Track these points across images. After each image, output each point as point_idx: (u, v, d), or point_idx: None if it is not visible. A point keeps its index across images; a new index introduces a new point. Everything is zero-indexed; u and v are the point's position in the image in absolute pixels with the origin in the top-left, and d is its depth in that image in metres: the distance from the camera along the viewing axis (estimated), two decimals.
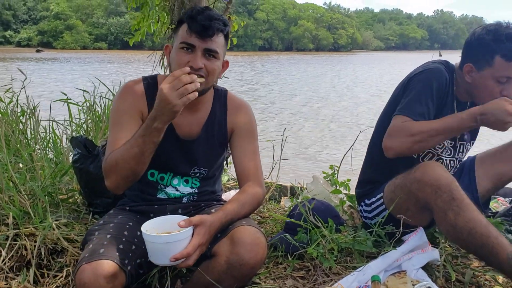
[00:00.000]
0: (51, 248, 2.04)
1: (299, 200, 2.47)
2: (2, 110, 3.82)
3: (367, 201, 2.24)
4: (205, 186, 1.96)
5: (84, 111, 4.01)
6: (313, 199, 2.30)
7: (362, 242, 2.01)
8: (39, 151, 3.38)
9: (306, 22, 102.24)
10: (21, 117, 3.76)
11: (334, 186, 2.84)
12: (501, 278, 1.92)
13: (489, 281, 1.94)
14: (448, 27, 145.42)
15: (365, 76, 27.15)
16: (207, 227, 1.57)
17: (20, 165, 2.93)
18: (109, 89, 4.11)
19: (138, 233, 1.72)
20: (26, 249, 2.00)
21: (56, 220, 2.19)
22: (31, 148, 3.24)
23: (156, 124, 1.57)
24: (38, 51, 59.85)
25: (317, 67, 37.24)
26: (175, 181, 1.91)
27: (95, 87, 4.11)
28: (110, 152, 1.72)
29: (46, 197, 2.36)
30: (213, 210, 1.89)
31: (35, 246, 2.00)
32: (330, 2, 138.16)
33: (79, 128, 3.90)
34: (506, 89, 1.98)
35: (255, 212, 2.73)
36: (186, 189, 1.92)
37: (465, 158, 2.37)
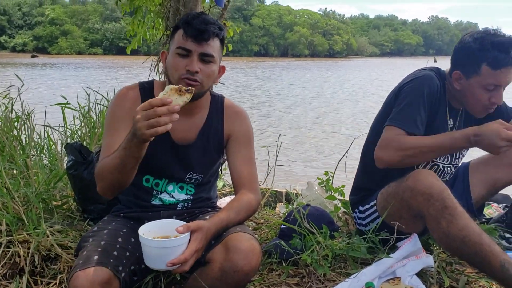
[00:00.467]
0: (45, 255, 2.03)
1: (294, 206, 2.48)
2: None
3: (361, 208, 2.25)
4: (200, 192, 1.96)
5: (79, 117, 4.00)
6: (307, 205, 2.30)
7: (356, 248, 2.01)
8: (34, 157, 3.37)
9: (302, 28, 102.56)
10: (15, 123, 3.75)
11: (328, 192, 2.84)
12: (495, 285, 1.93)
13: (483, 287, 1.94)
14: (443, 33, 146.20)
15: (360, 82, 27.23)
16: (204, 233, 1.57)
17: (14, 171, 2.92)
18: (103, 96, 4.10)
19: (133, 239, 1.71)
20: (19, 256, 1.98)
21: (50, 227, 2.18)
22: (25, 154, 3.23)
23: (134, 141, 1.51)
24: (33, 56, 59.65)
25: (314, 73, 37.34)
26: (170, 188, 1.90)
27: (90, 93, 4.11)
28: (102, 158, 1.72)
29: (40, 203, 2.35)
30: (207, 217, 1.88)
31: (28, 253, 1.98)
32: (326, 9, 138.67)
33: (74, 134, 3.89)
34: (494, 96, 2.00)
35: (250, 218, 2.72)
36: (181, 196, 1.92)
37: (459, 164, 2.39)
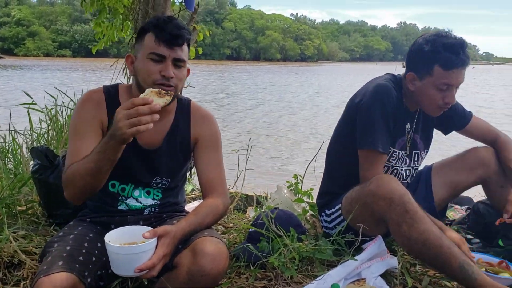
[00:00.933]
0: (8, 261, 1.99)
1: (262, 210, 2.49)
2: None
3: (327, 211, 2.29)
4: (167, 197, 1.95)
5: (46, 120, 3.93)
6: (276, 208, 2.33)
7: (323, 251, 2.04)
8: None
9: (274, 33, 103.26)
10: None
11: (297, 195, 2.87)
12: (456, 285, 1.98)
13: (444, 287, 2.00)
14: (411, 39, 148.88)
15: (331, 87, 27.54)
16: (171, 237, 1.57)
17: None
18: (71, 99, 4.04)
19: (99, 244, 1.70)
20: None
21: (14, 232, 2.13)
22: None
23: (111, 143, 1.51)
24: None
25: (286, 77, 37.56)
26: (136, 193, 1.89)
27: (57, 96, 4.03)
28: (70, 163, 1.69)
29: (4, 208, 2.29)
30: (175, 222, 1.87)
31: None
32: (297, 14, 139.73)
33: (40, 138, 3.81)
34: (447, 96, 2.08)
35: (219, 222, 2.73)
36: (147, 201, 1.90)
37: (421, 167, 2.46)
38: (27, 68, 36.57)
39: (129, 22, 3.95)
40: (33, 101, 3.76)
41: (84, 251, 1.63)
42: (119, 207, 1.88)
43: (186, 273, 1.59)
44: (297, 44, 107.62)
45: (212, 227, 1.84)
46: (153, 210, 1.91)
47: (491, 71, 71.48)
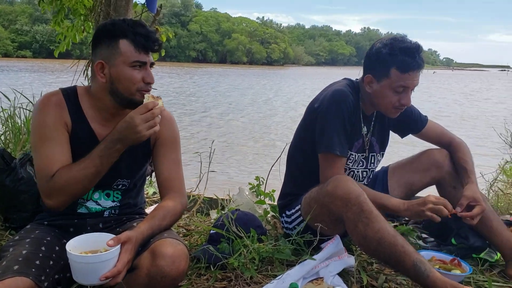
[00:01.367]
0: None
1: (224, 212, 2.51)
2: None
3: (287, 212, 2.33)
4: (127, 199, 1.94)
5: (3, 122, 3.82)
6: (237, 210, 2.35)
7: (282, 250, 2.07)
8: None
9: (240, 36, 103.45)
10: None
11: (259, 197, 2.90)
12: (411, 282, 2.05)
13: (399, 284, 2.06)
14: None
15: (295, 90, 27.79)
16: (133, 243, 1.57)
17: None
18: (29, 101, 3.94)
19: (57, 248, 1.68)
20: None
21: None
22: None
23: (118, 146, 1.64)
24: None
25: (251, 80, 37.64)
26: (96, 195, 1.87)
27: (15, 97, 3.93)
28: (50, 170, 1.66)
29: None
30: (135, 224, 1.87)
31: None
32: (263, 17, 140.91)
33: None
34: (403, 98, 2.15)
35: (181, 225, 2.73)
36: (107, 203, 1.89)
37: (378, 169, 2.53)
38: None
39: (90, 23, 3.89)
40: None
41: (41, 255, 1.60)
42: (79, 210, 1.85)
43: (145, 275, 1.59)
44: (264, 48, 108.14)
45: (172, 228, 1.84)
46: (113, 212, 1.90)
47: (451, 76, 73.70)
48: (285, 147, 3.42)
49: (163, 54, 3.96)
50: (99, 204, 1.88)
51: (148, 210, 2.33)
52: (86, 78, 3.45)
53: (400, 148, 5.32)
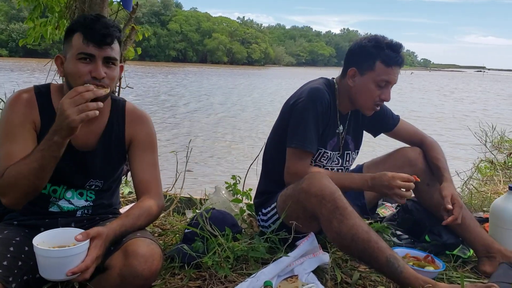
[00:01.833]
0: None
1: (199, 211, 2.49)
2: None
3: (263, 210, 2.33)
4: (101, 199, 1.92)
5: None
6: (212, 209, 2.33)
7: (256, 248, 2.07)
8: None
9: (220, 35, 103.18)
10: None
11: (235, 195, 2.89)
12: (385, 279, 2.07)
13: (374, 281, 2.08)
14: None
15: (274, 90, 27.86)
16: (103, 239, 1.55)
17: None
18: (1, 99, 3.86)
19: (26, 248, 1.65)
20: None
21: None
22: None
23: (56, 138, 1.53)
24: None
25: (231, 80, 37.60)
26: (69, 194, 1.84)
27: None
28: (4, 167, 1.63)
29: None
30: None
31: None
32: (244, 17, 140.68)
33: None
34: (384, 93, 2.19)
35: (156, 224, 2.70)
36: (80, 202, 1.86)
37: (352, 167, 2.55)
38: None
39: (65, 21, 3.83)
40: None
41: (9, 255, 1.58)
42: (50, 209, 1.83)
43: (117, 275, 1.57)
44: (244, 48, 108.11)
45: (146, 228, 1.82)
46: (86, 212, 1.87)
47: (428, 76, 74.86)
48: (264, 147, 3.45)
49: (139, 52, 3.95)
50: (71, 203, 1.85)
51: (123, 210, 2.30)
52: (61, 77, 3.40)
53: (376, 149, 5.39)
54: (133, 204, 2.89)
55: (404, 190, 2.06)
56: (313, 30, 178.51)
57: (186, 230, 2.23)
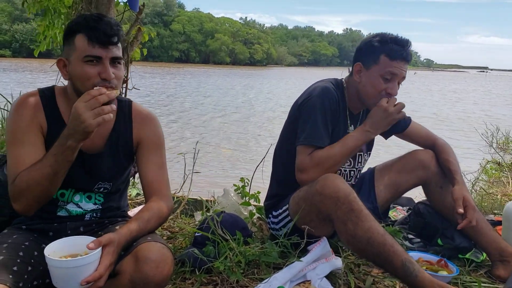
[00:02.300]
0: None
1: (209, 214, 2.47)
2: None
3: (274, 213, 2.30)
4: (110, 201, 1.89)
5: None
6: (222, 212, 2.31)
7: (269, 253, 2.04)
8: None
9: (223, 36, 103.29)
10: None
11: (244, 198, 2.87)
12: (398, 284, 2.04)
13: (387, 286, 2.05)
14: (356, 45, 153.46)
15: (279, 90, 27.85)
16: (115, 246, 1.52)
17: None
18: (7, 100, 3.85)
19: (36, 253, 1.62)
20: None
21: None
22: None
23: (69, 143, 1.51)
24: None
25: (235, 80, 37.61)
26: (77, 198, 1.81)
27: None
28: (16, 173, 1.60)
29: None
30: (117, 227, 1.81)
31: None
32: (246, 18, 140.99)
33: None
34: (390, 87, 2.17)
35: (165, 227, 2.68)
36: (88, 206, 1.83)
37: (364, 169, 2.52)
38: None
39: None
40: None
41: (19, 260, 1.55)
42: (58, 213, 1.80)
43: (128, 281, 1.54)
44: (247, 48, 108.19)
45: (156, 231, 1.80)
46: (94, 215, 1.85)
47: (430, 77, 74.74)
48: (270, 148, 3.42)
49: (145, 53, 3.92)
50: (80, 207, 1.82)
51: (131, 212, 2.28)
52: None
53: (388, 150, 5.35)
54: (141, 206, 2.89)
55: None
56: (316, 30, 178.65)
57: (196, 234, 2.20)
